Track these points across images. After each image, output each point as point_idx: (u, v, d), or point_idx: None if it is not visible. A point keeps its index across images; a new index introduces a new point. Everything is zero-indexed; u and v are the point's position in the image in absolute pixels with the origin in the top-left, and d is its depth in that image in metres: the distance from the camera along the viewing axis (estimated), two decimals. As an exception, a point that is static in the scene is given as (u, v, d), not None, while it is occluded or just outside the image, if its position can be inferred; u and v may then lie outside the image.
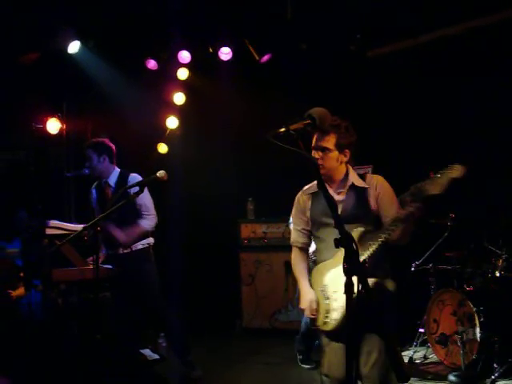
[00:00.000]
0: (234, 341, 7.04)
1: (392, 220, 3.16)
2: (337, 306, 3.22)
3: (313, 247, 3.80)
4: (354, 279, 2.44)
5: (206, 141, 7.34)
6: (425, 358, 5.65)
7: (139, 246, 5.21)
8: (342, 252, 3.16)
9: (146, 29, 6.69)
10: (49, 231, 5.02)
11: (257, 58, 7.09)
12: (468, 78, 6.17)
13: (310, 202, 3.49)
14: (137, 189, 4.32)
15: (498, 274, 5.29)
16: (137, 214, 5.16)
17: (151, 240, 5.32)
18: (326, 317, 3.30)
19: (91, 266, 4.92)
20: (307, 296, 3.41)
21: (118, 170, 5.27)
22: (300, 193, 3.64)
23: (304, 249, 3.63)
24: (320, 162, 3.32)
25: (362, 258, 3.18)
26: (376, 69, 6.75)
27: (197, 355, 5.54)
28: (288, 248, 5.51)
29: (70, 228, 5.07)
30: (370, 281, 3.18)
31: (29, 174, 6.50)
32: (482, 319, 5.10)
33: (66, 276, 5.01)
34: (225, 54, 7.18)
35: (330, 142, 3.31)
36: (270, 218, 7.25)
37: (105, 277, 4.98)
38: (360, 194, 3.36)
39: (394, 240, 3.21)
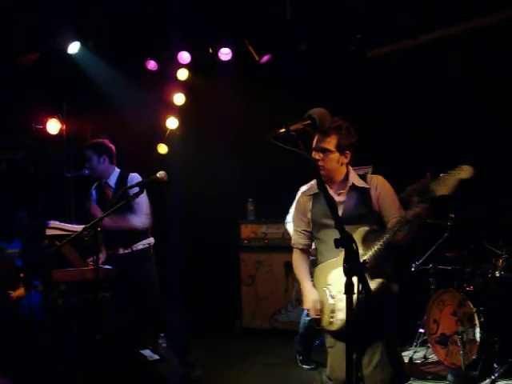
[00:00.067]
0: (234, 341, 7.04)
1: (398, 221, 3.14)
2: (342, 305, 3.20)
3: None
4: (355, 279, 2.44)
5: (206, 141, 7.34)
6: (425, 358, 5.65)
7: (140, 246, 5.21)
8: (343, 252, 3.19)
9: (145, 29, 6.69)
10: (49, 232, 5.01)
11: (257, 58, 7.09)
12: (468, 78, 6.17)
13: (310, 204, 3.49)
14: (137, 189, 4.32)
15: (498, 274, 5.29)
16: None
17: (151, 240, 5.32)
18: (332, 317, 3.29)
19: (91, 267, 4.92)
20: (311, 296, 3.40)
21: (117, 170, 5.27)
22: (300, 194, 3.64)
23: (305, 250, 3.61)
24: (321, 163, 3.31)
25: (365, 258, 3.18)
26: (376, 69, 6.74)
27: (197, 355, 5.54)
28: (288, 248, 5.52)
29: (69, 228, 5.06)
30: (374, 282, 3.19)
31: (29, 175, 6.51)
32: (482, 319, 5.09)
33: (65, 276, 5.00)
34: (225, 54, 7.18)
35: (330, 143, 3.30)
36: (270, 218, 7.25)
37: (104, 277, 4.98)
38: (361, 194, 3.36)
39: (397, 240, 3.21)
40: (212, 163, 7.28)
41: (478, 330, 5.09)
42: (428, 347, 5.63)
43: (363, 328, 2.66)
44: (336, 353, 3.36)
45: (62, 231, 4.99)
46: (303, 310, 5.71)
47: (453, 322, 5.34)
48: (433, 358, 5.59)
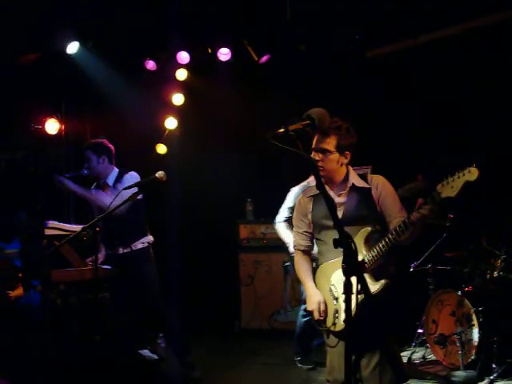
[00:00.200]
0: (233, 341, 7.04)
1: (402, 222, 3.14)
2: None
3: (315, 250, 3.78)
4: (354, 279, 2.44)
5: (205, 141, 7.34)
6: (424, 358, 5.65)
7: (139, 245, 5.21)
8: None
9: (144, 29, 6.69)
10: (48, 232, 5.01)
11: (256, 58, 7.10)
12: (467, 78, 6.17)
13: (310, 205, 3.47)
14: (136, 189, 4.33)
15: (496, 275, 5.28)
16: (136, 213, 5.16)
17: (151, 238, 5.32)
18: (336, 317, 3.28)
19: (90, 267, 4.92)
20: (315, 297, 3.38)
21: (116, 170, 5.27)
22: (301, 195, 3.63)
23: (307, 252, 3.59)
24: (320, 163, 3.30)
25: (367, 259, 3.18)
26: (375, 69, 6.75)
27: (196, 355, 5.54)
28: (287, 249, 5.56)
29: (68, 229, 5.06)
30: (378, 283, 3.19)
31: (28, 175, 6.50)
32: (480, 319, 5.10)
33: (65, 276, 5.01)
34: (224, 54, 7.18)
35: (330, 143, 3.29)
36: (268, 218, 7.19)
37: (104, 277, 4.98)
38: (361, 194, 3.35)
39: (400, 241, 3.20)
40: (211, 163, 7.28)
41: (476, 330, 5.10)
42: (427, 347, 5.63)
43: (364, 329, 2.66)
44: (337, 353, 3.35)
45: (61, 231, 4.99)
46: (300, 310, 5.73)
47: (451, 322, 5.34)
48: (431, 358, 5.59)
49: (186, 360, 5.40)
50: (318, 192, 3.36)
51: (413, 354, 5.68)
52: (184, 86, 7.55)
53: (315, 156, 3.31)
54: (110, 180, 5.23)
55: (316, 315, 3.36)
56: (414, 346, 5.79)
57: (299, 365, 5.75)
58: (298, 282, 5.72)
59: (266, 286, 7.15)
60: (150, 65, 7.34)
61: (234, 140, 7.25)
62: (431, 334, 5.54)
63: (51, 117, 6.93)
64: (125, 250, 5.16)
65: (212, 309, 7.22)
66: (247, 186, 7.38)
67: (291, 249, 5.43)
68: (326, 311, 3.33)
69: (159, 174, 4.51)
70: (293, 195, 5.59)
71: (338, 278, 3.28)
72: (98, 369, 4.80)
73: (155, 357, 6.03)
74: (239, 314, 7.32)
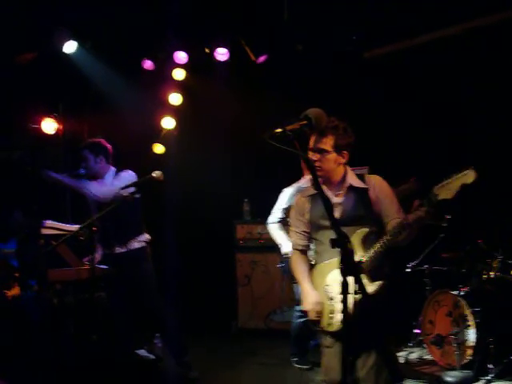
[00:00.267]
0: (230, 341, 7.03)
1: (399, 223, 3.13)
2: (341, 307, 3.20)
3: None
4: (351, 280, 2.44)
5: (202, 141, 7.34)
6: (420, 358, 5.66)
7: (136, 244, 5.21)
8: None
9: (142, 29, 6.68)
10: (44, 231, 5.02)
11: (253, 58, 7.09)
12: (466, 79, 6.18)
13: (308, 205, 3.47)
14: (133, 189, 4.33)
15: (493, 275, 5.29)
16: (133, 211, 5.17)
17: (147, 236, 5.31)
18: (331, 318, 3.28)
19: (87, 266, 4.92)
20: (311, 298, 3.37)
21: (113, 169, 5.27)
22: (299, 195, 3.63)
23: (304, 251, 3.58)
24: (318, 163, 3.30)
25: (364, 259, 3.18)
26: (373, 70, 6.75)
27: (193, 355, 5.54)
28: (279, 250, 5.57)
29: (65, 228, 5.06)
30: (375, 284, 3.19)
31: (25, 174, 6.49)
32: (477, 320, 5.11)
33: (61, 276, 5.01)
34: (221, 54, 7.17)
35: (327, 143, 3.29)
36: (265, 218, 7.22)
37: (100, 277, 4.98)
38: (359, 194, 3.34)
39: (397, 242, 3.20)
40: (208, 163, 7.27)
41: (473, 330, 5.11)
42: (423, 348, 5.65)
43: (360, 329, 2.66)
44: (333, 353, 3.35)
45: (58, 231, 4.99)
46: (294, 311, 5.73)
47: (448, 322, 5.35)
48: (428, 358, 5.60)
49: (182, 360, 5.40)
50: (315, 192, 3.34)
51: (409, 355, 5.69)
52: (181, 86, 7.55)
53: (313, 156, 3.31)
54: (108, 180, 5.22)
55: (311, 316, 3.36)
56: (411, 347, 5.80)
57: (296, 365, 5.75)
58: (292, 282, 5.75)
59: (263, 286, 7.15)
60: (148, 64, 7.33)
61: (232, 140, 7.25)
62: (428, 334, 5.55)
63: (49, 116, 6.94)
64: (121, 250, 5.16)
65: (209, 309, 7.22)
66: (244, 186, 7.38)
67: (284, 250, 5.47)
68: (321, 312, 3.33)
69: (156, 173, 4.52)
70: (285, 196, 5.60)
71: (333, 279, 3.28)
72: (94, 368, 4.80)
73: (152, 357, 6.02)
74: (236, 314, 7.32)
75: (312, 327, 3.46)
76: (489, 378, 4.93)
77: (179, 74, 7.44)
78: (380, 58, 6.78)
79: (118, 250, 5.16)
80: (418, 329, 5.75)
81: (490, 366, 4.98)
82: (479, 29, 6.06)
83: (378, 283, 3.20)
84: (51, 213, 6.41)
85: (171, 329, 5.39)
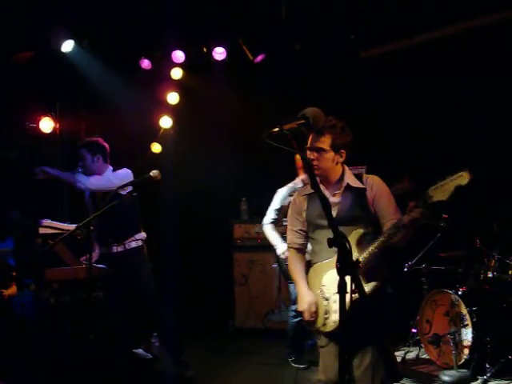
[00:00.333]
0: (227, 341, 7.03)
1: (394, 225, 3.13)
2: (336, 307, 3.19)
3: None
4: (348, 279, 2.44)
5: (200, 141, 7.33)
6: (417, 358, 5.67)
7: (133, 243, 5.20)
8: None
9: (140, 28, 6.68)
10: (42, 230, 5.01)
11: (251, 57, 7.10)
12: (463, 79, 6.18)
13: (305, 204, 3.46)
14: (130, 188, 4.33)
15: (490, 275, 5.31)
16: (131, 211, 5.16)
17: (143, 235, 5.30)
18: (326, 318, 3.28)
19: (84, 266, 4.91)
20: (306, 298, 3.36)
21: (111, 168, 5.26)
22: (296, 194, 3.62)
23: (301, 250, 3.58)
24: (315, 162, 3.29)
25: (359, 260, 3.17)
26: (371, 69, 6.75)
27: (190, 355, 5.53)
28: (275, 250, 5.57)
29: (63, 227, 5.06)
30: (369, 285, 3.19)
31: (22, 173, 6.48)
32: (474, 319, 5.12)
33: (58, 275, 5.00)
34: (219, 53, 7.18)
35: (325, 142, 3.28)
36: (263, 218, 7.23)
37: (98, 276, 4.98)
38: (356, 194, 3.34)
39: (393, 243, 3.19)
40: (206, 162, 7.27)
41: (470, 330, 5.11)
42: (421, 347, 5.65)
43: (355, 329, 2.66)
44: (328, 353, 3.36)
45: (55, 230, 4.99)
46: (290, 311, 5.74)
47: (445, 322, 5.36)
48: (425, 357, 5.61)
49: (180, 359, 5.39)
50: (312, 191, 3.34)
51: (407, 354, 5.69)
52: (179, 85, 7.55)
53: (310, 155, 3.31)
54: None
55: (306, 316, 3.35)
56: (408, 346, 5.80)
57: (293, 364, 5.75)
58: (287, 282, 5.76)
59: (260, 285, 7.15)
60: (145, 64, 7.33)
61: (229, 139, 7.25)
62: (425, 333, 5.55)
63: (46, 115, 6.93)
64: (118, 249, 5.15)
65: (206, 308, 7.21)
66: (242, 186, 7.38)
67: (278, 251, 5.48)
68: (316, 312, 3.33)
69: (154, 172, 4.52)
70: (279, 197, 5.62)
71: (329, 279, 3.28)
72: (91, 368, 4.80)
73: (149, 356, 6.02)
74: (233, 314, 7.32)
75: (307, 327, 3.45)
76: (486, 377, 4.94)
77: (177, 73, 7.44)
78: (377, 58, 6.79)
79: (115, 249, 5.16)
80: (415, 328, 5.75)
81: (487, 365, 4.98)
82: (477, 29, 6.06)
83: (371, 284, 3.20)
84: (48, 212, 6.41)
85: (168, 328, 5.39)
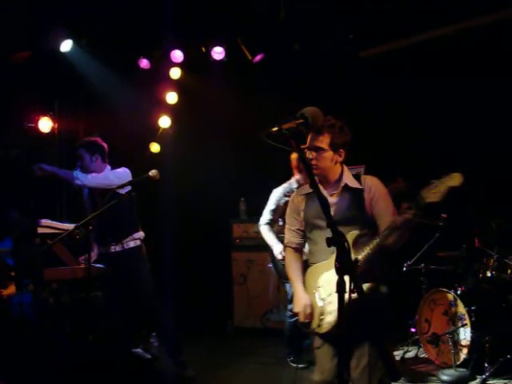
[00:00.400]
0: (226, 341, 7.04)
1: (388, 226, 3.13)
2: (331, 308, 3.20)
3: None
4: (346, 279, 2.44)
5: (199, 140, 7.34)
6: (416, 357, 5.67)
7: (131, 243, 5.19)
8: (334, 254, 3.18)
9: (138, 28, 6.68)
10: (40, 230, 5.00)
11: (250, 57, 7.09)
12: (461, 79, 6.19)
13: (303, 203, 3.46)
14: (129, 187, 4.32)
15: (489, 274, 5.31)
16: (129, 211, 5.16)
17: (142, 234, 5.30)
18: (321, 319, 3.28)
19: (83, 265, 4.91)
20: (301, 300, 3.37)
21: (109, 168, 5.25)
22: (294, 193, 3.62)
23: (298, 249, 3.58)
24: (314, 162, 3.29)
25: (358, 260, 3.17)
26: (369, 69, 6.75)
27: (189, 355, 5.53)
28: (271, 251, 5.58)
29: (61, 227, 5.06)
30: (364, 286, 3.18)
31: (21, 173, 6.48)
32: (473, 319, 5.12)
33: (57, 275, 4.99)
34: (217, 53, 7.17)
35: (324, 141, 3.28)
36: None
37: (96, 276, 4.97)
38: (353, 195, 3.33)
39: (388, 245, 3.18)
40: (204, 162, 7.27)
41: (469, 329, 5.11)
42: (419, 346, 5.65)
43: (352, 330, 2.66)
44: (324, 354, 3.36)
45: (54, 230, 4.98)
46: (288, 310, 5.74)
47: (444, 321, 5.36)
48: (424, 357, 5.62)
49: (179, 359, 5.39)
50: (311, 191, 3.33)
51: (405, 353, 5.70)
52: (178, 85, 7.55)
53: (309, 154, 3.30)
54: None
55: (301, 318, 3.36)
56: (407, 345, 5.80)
57: (292, 364, 5.75)
58: (283, 281, 5.76)
59: (259, 285, 7.14)
60: (144, 63, 7.33)
61: (228, 139, 7.24)
62: (424, 333, 5.56)
63: (44, 115, 6.93)
64: (117, 248, 5.15)
65: (205, 308, 7.21)
66: (240, 185, 7.37)
67: (275, 251, 5.49)
68: (311, 313, 3.33)
69: (152, 172, 4.51)
70: (274, 197, 5.64)
71: (325, 280, 3.28)
72: (90, 368, 4.79)
73: (148, 356, 6.02)
74: (232, 313, 7.32)
75: (302, 329, 3.46)
76: (484, 376, 4.94)
77: (175, 73, 7.44)
78: (376, 58, 6.79)
79: (114, 248, 5.15)
80: (414, 327, 5.76)
81: (486, 364, 4.99)
82: (476, 28, 6.06)
83: (365, 285, 3.19)
84: (47, 211, 6.41)
85: (167, 328, 5.39)
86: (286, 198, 5.46)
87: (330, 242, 2.45)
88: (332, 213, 3.25)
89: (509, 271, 5.29)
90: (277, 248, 5.50)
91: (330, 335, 3.26)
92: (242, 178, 7.29)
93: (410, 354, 5.73)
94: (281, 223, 5.64)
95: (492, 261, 5.33)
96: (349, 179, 3.37)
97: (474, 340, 5.07)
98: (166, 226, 7.00)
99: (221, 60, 7.21)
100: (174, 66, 7.40)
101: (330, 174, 3.36)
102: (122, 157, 5.77)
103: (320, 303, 3.29)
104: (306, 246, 3.61)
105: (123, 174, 5.08)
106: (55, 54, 6.61)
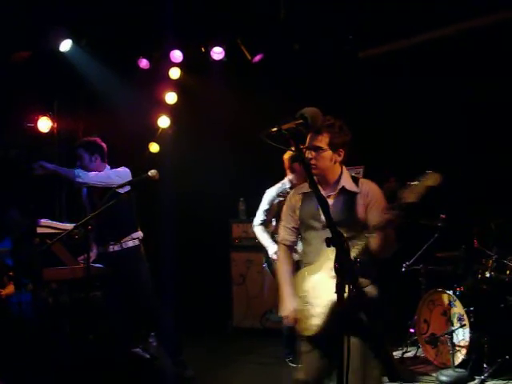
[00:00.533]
0: (225, 341, 7.04)
1: (370, 227, 3.12)
2: (318, 312, 3.18)
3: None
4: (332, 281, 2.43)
5: (198, 140, 7.34)
6: (415, 357, 5.67)
7: (130, 242, 5.19)
8: (324, 257, 3.17)
9: (138, 28, 6.68)
10: (40, 230, 5.00)
11: (249, 57, 7.10)
12: (461, 79, 6.19)
13: (300, 202, 3.44)
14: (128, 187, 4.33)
15: (488, 275, 5.32)
16: (128, 210, 5.16)
17: (140, 234, 5.30)
18: (308, 322, 3.26)
19: (82, 265, 4.91)
20: (289, 304, 3.37)
21: (108, 168, 5.26)
22: (292, 191, 3.62)
23: (291, 247, 3.57)
24: (313, 161, 3.27)
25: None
26: (369, 69, 6.75)
27: (188, 355, 5.52)
28: (267, 251, 5.58)
29: (61, 227, 5.05)
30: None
31: (21, 173, 6.48)
32: (472, 319, 5.12)
33: (56, 275, 4.99)
34: (217, 53, 7.18)
35: (323, 141, 3.26)
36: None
37: (96, 276, 4.97)
38: (349, 199, 3.30)
39: (374, 250, 3.17)
40: (204, 162, 7.28)
41: (467, 330, 5.11)
42: (418, 347, 5.65)
43: (343, 332, 2.65)
44: (311, 358, 3.36)
45: (53, 229, 4.98)
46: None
47: (443, 322, 5.37)
48: (423, 357, 5.61)
49: (178, 359, 5.39)
50: (309, 190, 3.31)
51: (404, 354, 5.71)
52: (177, 85, 7.55)
53: (308, 154, 3.28)
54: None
55: (288, 322, 3.37)
56: (406, 346, 5.81)
57: (291, 364, 5.75)
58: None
59: (258, 285, 7.14)
60: (144, 63, 7.33)
61: (227, 139, 7.25)
62: (423, 333, 5.56)
63: (44, 115, 6.93)
64: (115, 248, 5.14)
65: (204, 308, 7.21)
66: (240, 186, 7.37)
67: (270, 252, 5.50)
68: (299, 317, 3.31)
69: (152, 172, 4.52)
70: (268, 197, 5.66)
71: (313, 284, 3.26)
72: (90, 368, 4.79)
73: (147, 356, 6.02)
74: (231, 314, 7.32)
75: (291, 331, 3.46)
76: (483, 377, 4.95)
77: (175, 73, 7.44)
78: (376, 58, 6.79)
79: (112, 248, 5.15)
80: (413, 328, 5.76)
81: (485, 365, 4.99)
82: (476, 29, 6.07)
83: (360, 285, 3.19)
84: (46, 211, 6.41)
85: (166, 328, 5.39)
86: (280, 199, 5.48)
87: (329, 243, 2.45)
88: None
89: (508, 272, 5.29)
90: (271, 248, 5.52)
91: (317, 339, 3.25)
92: (242, 178, 7.29)
93: (409, 355, 5.73)
94: (274, 223, 5.66)
95: (491, 261, 5.33)
96: (347, 182, 3.35)
97: (472, 341, 5.07)
98: (165, 225, 7.00)
99: (220, 60, 7.21)
100: (173, 66, 7.41)
101: (329, 175, 3.34)
102: (121, 157, 5.77)
103: (307, 306, 3.27)
104: (300, 245, 3.60)
105: (124, 174, 5.09)
106: (55, 54, 6.61)
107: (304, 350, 3.41)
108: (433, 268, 5.81)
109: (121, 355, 5.32)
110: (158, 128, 7.63)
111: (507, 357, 4.96)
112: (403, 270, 5.84)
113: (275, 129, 2.58)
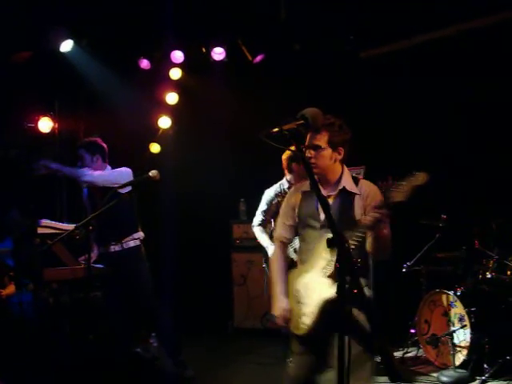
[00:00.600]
0: (226, 341, 7.04)
1: (358, 226, 3.10)
2: (308, 311, 3.18)
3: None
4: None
5: (199, 141, 7.34)
6: (416, 358, 5.67)
7: (131, 242, 5.19)
8: (316, 258, 3.17)
9: (139, 28, 6.68)
10: (40, 230, 5.00)
11: (250, 58, 7.10)
12: (462, 79, 6.19)
13: (300, 200, 3.44)
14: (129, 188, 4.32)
15: (489, 276, 5.31)
16: (129, 210, 5.16)
17: (141, 234, 5.30)
18: (299, 321, 3.25)
19: (83, 266, 4.91)
20: (280, 304, 3.37)
21: (109, 168, 5.26)
22: (293, 188, 3.62)
23: (287, 244, 3.57)
24: (313, 160, 3.26)
25: (331, 263, 3.13)
26: (370, 70, 6.75)
27: (189, 355, 5.53)
28: (266, 252, 5.58)
29: (61, 227, 5.05)
30: (334, 287, 3.16)
31: (21, 173, 6.48)
32: (472, 320, 5.12)
33: (57, 275, 4.99)
34: (218, 54, 7.18)
35: (322, 139, 3.25)
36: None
37: (96, 276, 4.97)
38: (348, 200, 3.29)
39: (370, 251, 3.17)
40: (204, 163, 7.27)
41: (468, 330, 5.11)
42: (419, 347, 5.65)
43: (334, 332, 2.64)
44: (301, 357, 3.37)
45: (54, 230, 4.98)
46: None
47: (444, 322, 5.36)
48: (424, 358, 5.61)
49: (178, 359, 5.39)
50: (309, 189, 3.33)
51: (405, 354, 5.70)
52: (178, 85, 7.55)
53: (308, 153, 3.27)
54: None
55: (279, 322, 3.37)
56: (407, 346, 5.80)
57: (291, 364, 5.74)
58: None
59: (259, 285, 7.12)
60: (144, 64, 7.33)
61: (228, 139, 7.25)
62: (423, 334, 5.56)
63: (44, 115, 6.94)
64: (116, 248, 5.15)
65: (205, 308, 7.21)
66: (240, 186, 7.37)
67: (270, 252, 5.50)
68: (291, 316, 3.31)
69: (152, 172, 4.52)
70: (266, 198, 5.66)
71: (304, 283, 3.26)
72: (90, 368, 4.79)
73: (148, 356, 6.02)
74: (232, 314, 7.32)
75: (282, 330, 3.46)
76: (484, 377, 4.94)
77: (176, 74, 7.44)
78: (377, 58, 6.79)
79: (113, 248, 5.15)
80: (414, 328, 5.76)
81: (485, 366, 4.99)
82: (476, 30, 6.07)
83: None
84: (47, 211, 6.41)
85: (167, 328, 5.39)
86: (278, 199, 5.48)
87: (330, 243, 2.44)
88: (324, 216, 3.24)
89: (508, 272, 5.28)
90: (271, 249, 5.50)
91: (307, 339, 3.25)
92: (242, 179, 7.29)
93: (410, 355, 5.72)
94: (273, 224, 5.66)
95: (492, 262, 5.33)
96: (348, 182, 3.33)
97: (473, 341, 5.07)
98: (166, 226, 7.00)
99: (221, 60, 7.21)
100: (174, 67, 7.40)
101: (329, 174, 3.33)
102: (122, 157, 5.77)
103: (298, 305, 3.28)
104: (297, 242, 3.59)
105: (126, 174, 5.09)
106: (55, 54, 6.61)
107: (295, 348, 3.41)
108: (433, 268, 5.81)
109: (121, 355, 5.32)
110: (159, 128, 7.63)
111: (508, 357, 4.95)
112: (404, 270, 5.83)
113: (276, 129, 2.58)
